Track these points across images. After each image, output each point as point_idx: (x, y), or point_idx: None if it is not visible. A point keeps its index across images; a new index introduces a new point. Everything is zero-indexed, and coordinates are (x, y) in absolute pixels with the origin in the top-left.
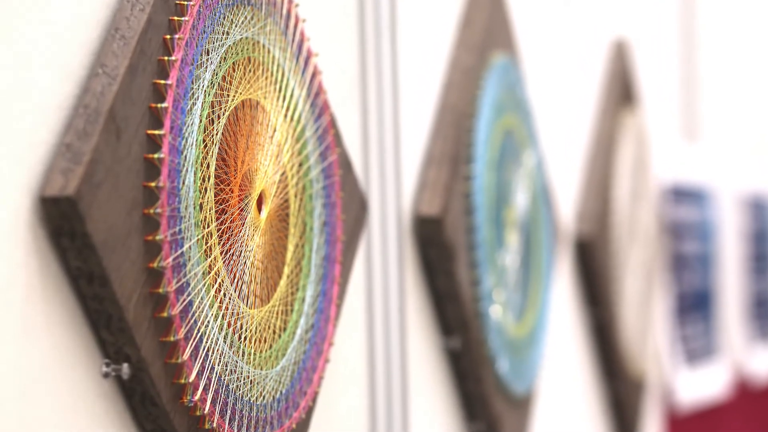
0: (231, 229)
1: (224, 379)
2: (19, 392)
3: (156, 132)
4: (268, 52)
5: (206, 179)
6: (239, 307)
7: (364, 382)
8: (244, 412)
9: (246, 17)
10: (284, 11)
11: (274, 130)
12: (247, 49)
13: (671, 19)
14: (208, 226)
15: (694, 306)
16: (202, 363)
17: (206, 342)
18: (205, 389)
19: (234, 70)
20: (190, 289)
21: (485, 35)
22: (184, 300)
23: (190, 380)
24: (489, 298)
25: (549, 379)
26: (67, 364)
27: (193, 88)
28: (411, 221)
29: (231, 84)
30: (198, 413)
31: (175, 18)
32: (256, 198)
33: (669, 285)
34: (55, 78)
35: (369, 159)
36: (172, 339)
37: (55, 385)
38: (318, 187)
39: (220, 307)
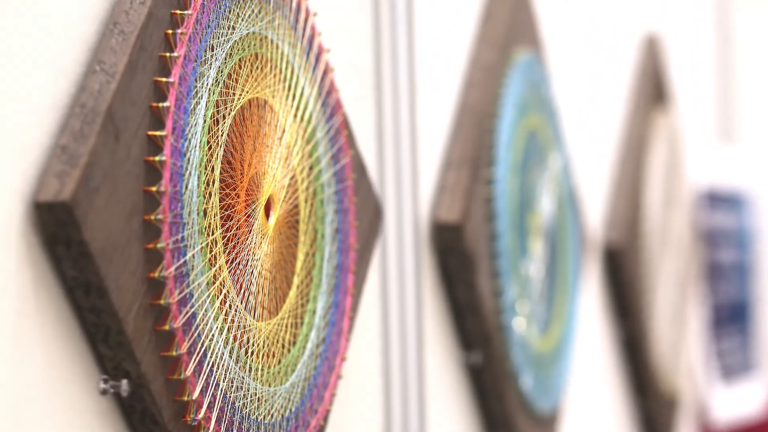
0: (237, 237)
1: (230, 397)
2: (12, 410)
3: (157, 133)
4: (277, 47)
5: (210, 183)
6: (246, 319)
7: (379, 399)
8: (251, 431)
9: (253, 11)
10: (294, 4)
11: (283, 131)
12: (254, 45)
13: (706, 12)
14: (213, 234)
15: (731, 318)
16: (206, 379)
17: (211, 357)
18: (210, 407)
19: (240, 67)
20: (193, 300)
21: (508, 30)
22: (187, 312)
23: (194, 397)
24: (512, 310)
25: (576, 396)
26: (62, 381)
27: (196, 87)
28: (429, 228)
29: (237, 82)
30: None
31: (178, 12)
32: (264, 203)
33: (703, 296)
34: (49, 76)
35: (384, 162)
36: (174, 353)
37: (50, 403)
38: (330, 192)
39: (225, 320)
